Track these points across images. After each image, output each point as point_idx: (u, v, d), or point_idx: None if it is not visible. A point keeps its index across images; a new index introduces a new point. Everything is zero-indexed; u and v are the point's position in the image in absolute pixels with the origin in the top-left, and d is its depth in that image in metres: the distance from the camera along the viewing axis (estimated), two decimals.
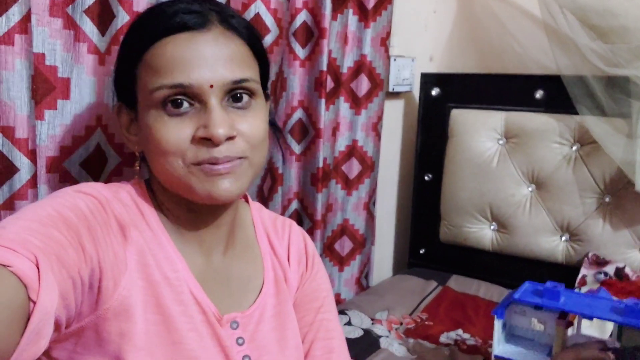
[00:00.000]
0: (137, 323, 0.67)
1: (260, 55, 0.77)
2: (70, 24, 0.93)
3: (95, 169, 0.99)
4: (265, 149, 0.77)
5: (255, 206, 0.91)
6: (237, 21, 0.74)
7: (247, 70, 0.72)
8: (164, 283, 0.71)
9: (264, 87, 0.79)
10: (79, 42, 0.94)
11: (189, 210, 0.76)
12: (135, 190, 0.76)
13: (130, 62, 0.73)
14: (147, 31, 0.71)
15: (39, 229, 0.59)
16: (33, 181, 0.86)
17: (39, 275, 0.54)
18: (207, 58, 0.69)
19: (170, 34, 0.70)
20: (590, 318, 1.10)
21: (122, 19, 0.98)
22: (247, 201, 0.91)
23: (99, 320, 0.66)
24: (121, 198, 0.73)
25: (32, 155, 0.86)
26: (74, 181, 0.96)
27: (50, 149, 0.93)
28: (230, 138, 0.70)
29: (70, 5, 0.92)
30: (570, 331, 1.17)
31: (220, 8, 0.74)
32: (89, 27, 0.95)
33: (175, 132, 0.69)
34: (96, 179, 1.00)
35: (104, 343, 0.66)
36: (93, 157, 0.98)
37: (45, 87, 0.90)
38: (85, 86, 0.96)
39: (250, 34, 0.75)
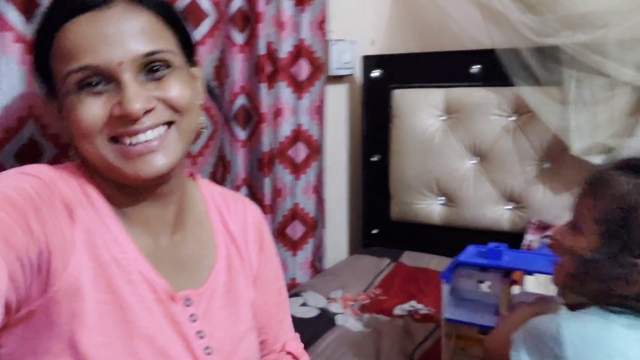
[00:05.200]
0: (87, 302, 0.66)
1: (175, 23, 0.75)
2: None
3: (31, 160, 0.97)
4: (196, 116, 0.76)
5: (204, 183, 0.90)
6: None
7: (159, 41, 0.71)
8: (113, 263, 0.70)
9: (189, 54, 0.78)
10: (4, 32, 0.92)
11: (122, 193, 0.75)
12: (80, 172, 0.74)
13: (42, 53, 0.71)
14: (51, 19, 0.70)
15: None
16: None
17: None
18: (111, 35, 0.67)
19: (72, 17, 0.68)
20: (532, 273, 1.15)
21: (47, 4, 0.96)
22: (194, 178, 0.89)
23: (49, 303, 0.64)
24: (66, 179, 0.72)
25: None
26: None
27: None
28: (148, 111, 0.69)
29: None
30: (517, 290, 1.21)
31: None
32: (13, 16, 0.92)
33: (91, 111, 0.67)
34: None
35: (55, 325, 0.65)
36: (27, 148, 0.96)
37: None
38: (13, 76, 0.93)
39: (158, 3, 0.73)
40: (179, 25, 0.76)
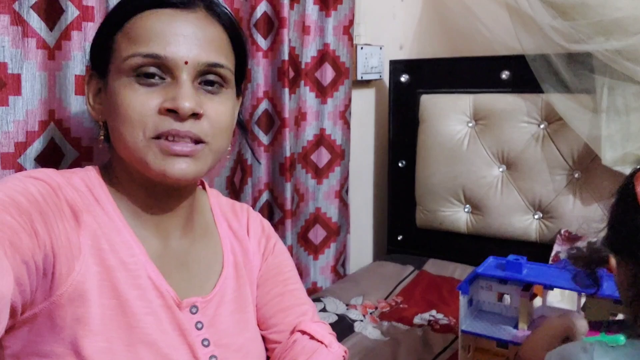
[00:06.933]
0: (92, 308, 0.67)
1: (239, 50, 0.79)
2: (18, 20, 0.93)
3: (51, 163, 0.99)
4: (228, 139, 0.78)
5: (213, 193, 0.92)
6: (222, 11, 0.76)
7: (223, 57, 0.74)
8: (120, 268, 0.71)
9: (238, 83, 0.81)
10: (27, 38, 0.94)
11: (146, 191, 0.76)
12: (89, 176, 0.76)
13: (109, 30, 0.74)
14: (132, 2, 0.73)
15: None
16: None
17: None
18: (186, 36, 0.71)
19: (154, 7, 0.72)
20: (551, 288, 1.11)
21: (72, 13, 0.99)
22: (204, 188, 0.91)
23: (53, 307, 0.65)
24: (74, 184, 0.73)
25: None
26: None
27: (4, 145, 0.93)
28: (196, 116, 0.71)
29: (17, 2, 0.93)
30: (538, 303, 1.18)
31: None
32: (36, 23, 0.95)
33: (141, 101, 0.69)
34: None
35: (58, 329, 0.66)
36: (48, 151, 0.98)
37: None
38: (36, 81, 0.96)
39: (232, 26, 0.78)
40: (242, 51, 0.80)
